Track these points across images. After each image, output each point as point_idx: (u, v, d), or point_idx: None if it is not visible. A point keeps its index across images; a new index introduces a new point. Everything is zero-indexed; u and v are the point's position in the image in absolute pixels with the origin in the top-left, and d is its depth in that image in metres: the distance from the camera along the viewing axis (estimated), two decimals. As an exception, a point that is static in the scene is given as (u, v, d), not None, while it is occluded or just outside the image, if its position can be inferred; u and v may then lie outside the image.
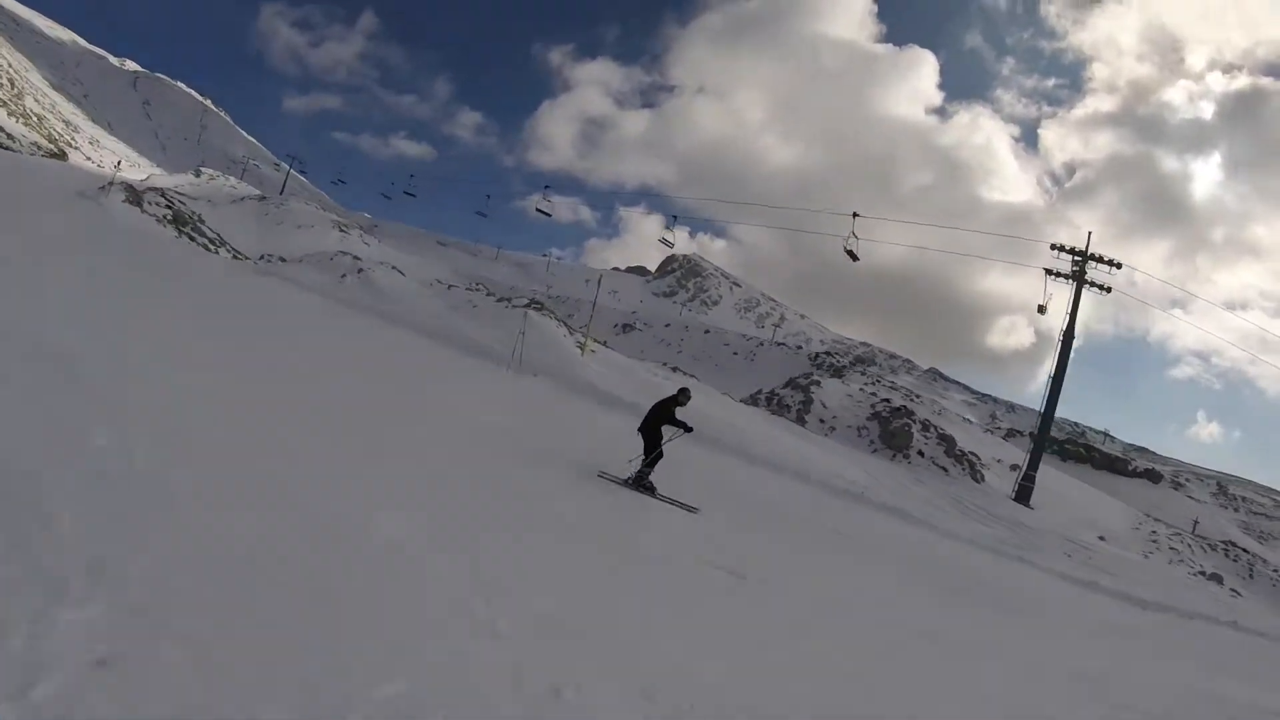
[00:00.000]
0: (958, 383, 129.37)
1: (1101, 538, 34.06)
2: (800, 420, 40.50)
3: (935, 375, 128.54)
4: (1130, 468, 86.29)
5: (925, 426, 38.96)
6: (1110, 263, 37.40)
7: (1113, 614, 17.11)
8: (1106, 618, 16.22)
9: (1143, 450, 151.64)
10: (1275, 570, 45.29)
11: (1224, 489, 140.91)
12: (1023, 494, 35.79)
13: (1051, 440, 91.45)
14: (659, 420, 11.50)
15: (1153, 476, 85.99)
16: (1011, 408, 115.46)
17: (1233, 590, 36.04)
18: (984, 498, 33.58)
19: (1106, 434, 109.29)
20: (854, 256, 34.63)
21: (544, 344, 31.80)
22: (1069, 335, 37.68)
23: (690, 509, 10.76)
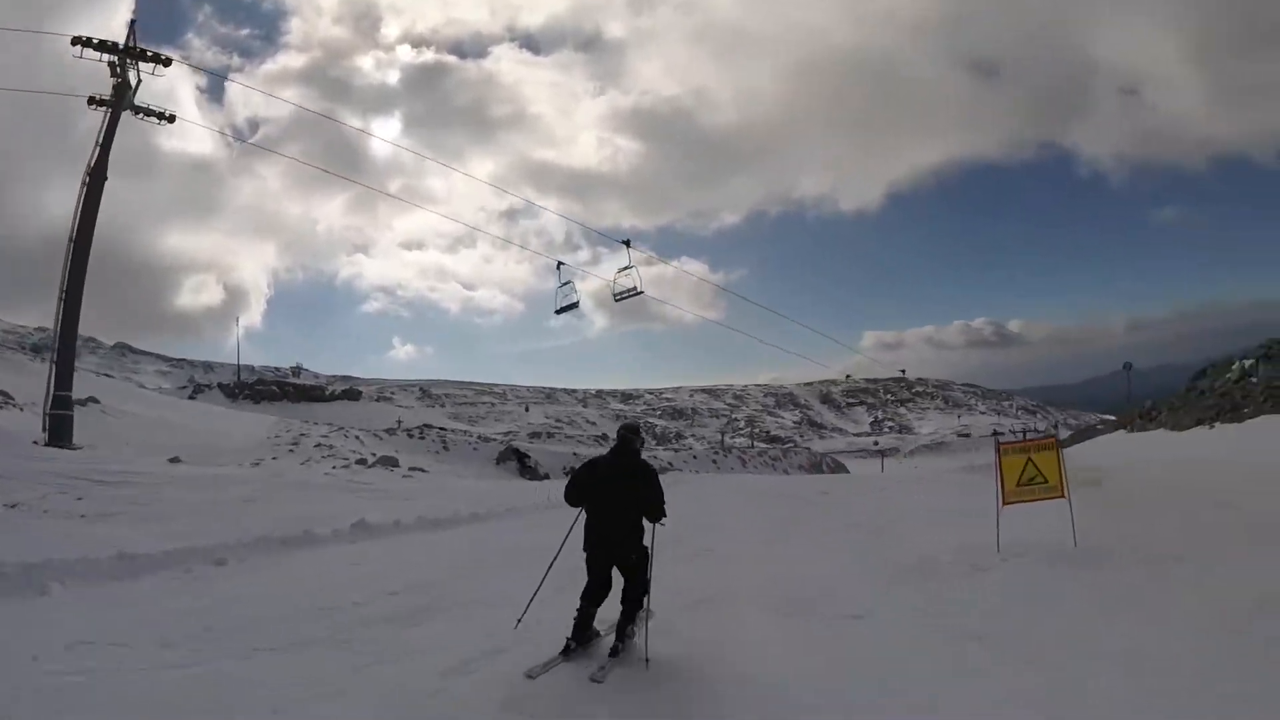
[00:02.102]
0: (150, 353, 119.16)
1: (176, 459, 19.29)
2: None
3: (124, 350, 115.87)
4: (328, 393, 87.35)
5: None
6: (156, 58, 24.49)
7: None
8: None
9: (347, 378, 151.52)
10: (477, 437, 50.43)
11: (427, 392, 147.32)
12: (58, 430, 22.40)
13: (243, 387, 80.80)
14: (639, 506, 6.43)
15: (351, 395, 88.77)
16: (210, 366, 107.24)
17: (415, 469, 25.43)
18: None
19: (298, 367, 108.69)
20: None
21: None
22: (98, 173, 23.62)
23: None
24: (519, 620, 6.63)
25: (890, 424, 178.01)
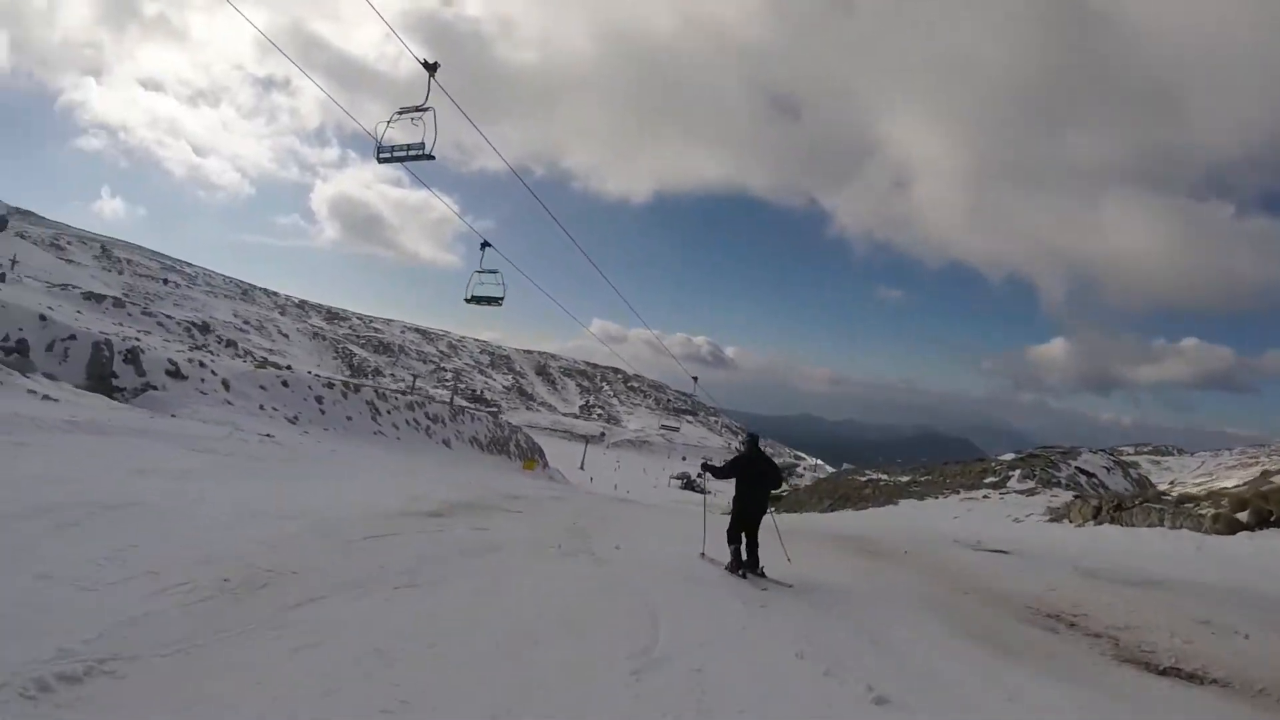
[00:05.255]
0: None
1: None
2: None
3: None
4: None
5: None
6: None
7: None
8: None
9: (27, 213, 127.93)
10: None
11: (109, 251, 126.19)
12: None
13: None
14: (769, 488, 10.80)
15: None
16: None
17: None
18: None
19: None
20: None
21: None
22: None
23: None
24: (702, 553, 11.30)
25: (600, 410, 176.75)
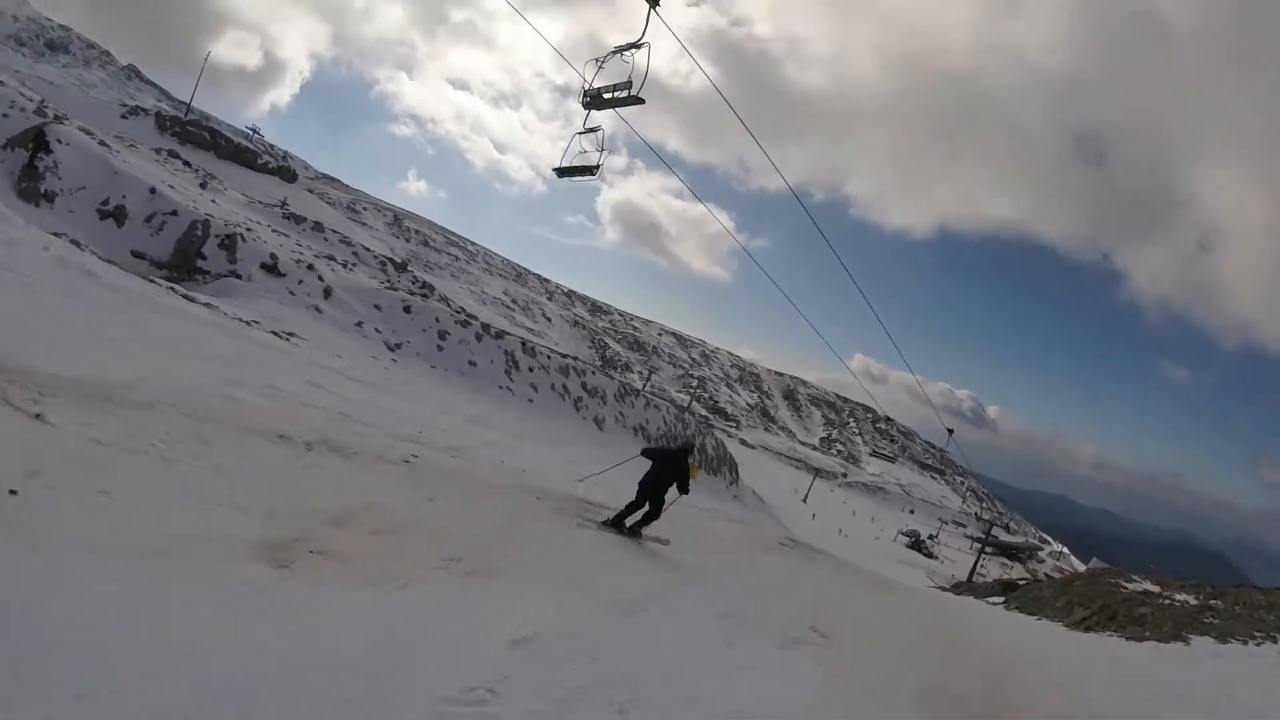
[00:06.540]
0: (157, 85, 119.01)
1: None
2: None
3: (132, 73, 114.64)
4: (260, 162, 74.87)
5: None
6: None
7: None
8: None
9: (332, 179, 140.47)
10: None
11: (399, 221, 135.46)
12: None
13: (176, 122, 71.31)
14: (673, 482, 11.52)
15: (286, 175, 78.07)
16: (207, 117, 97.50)
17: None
18: None
19: (254, 130, 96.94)
20: None
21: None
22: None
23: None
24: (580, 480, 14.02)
25: (840, 446, 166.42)
